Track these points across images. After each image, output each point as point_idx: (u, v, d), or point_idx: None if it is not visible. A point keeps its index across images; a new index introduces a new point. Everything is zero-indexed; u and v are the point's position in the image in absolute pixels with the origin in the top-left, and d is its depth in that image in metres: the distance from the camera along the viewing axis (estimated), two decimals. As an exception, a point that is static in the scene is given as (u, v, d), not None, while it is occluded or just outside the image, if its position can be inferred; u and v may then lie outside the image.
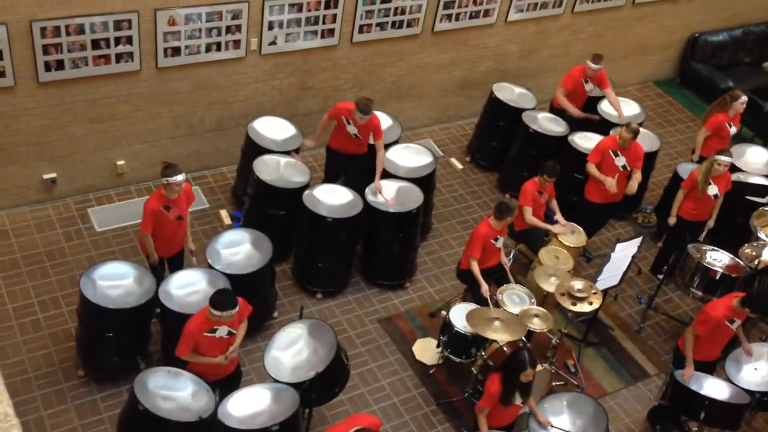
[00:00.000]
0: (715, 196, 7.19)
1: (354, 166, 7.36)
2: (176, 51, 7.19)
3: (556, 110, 8.59)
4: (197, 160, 8.03)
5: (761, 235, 7.29)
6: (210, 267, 6.21)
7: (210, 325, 5.25)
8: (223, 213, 7.76)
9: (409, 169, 7.52)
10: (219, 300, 5.15)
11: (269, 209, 7.03)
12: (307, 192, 6.96)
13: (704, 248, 7.01)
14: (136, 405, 5.08)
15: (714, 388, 5.92)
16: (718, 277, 6.76)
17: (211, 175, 8.15)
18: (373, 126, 7.12)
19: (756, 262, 6.94)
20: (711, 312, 5.90)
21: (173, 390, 5.30)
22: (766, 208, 7.54)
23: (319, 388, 5.53)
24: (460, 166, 8.94)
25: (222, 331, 5.27)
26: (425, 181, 7.46)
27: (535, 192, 7.08)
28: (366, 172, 7.27)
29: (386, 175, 7.34)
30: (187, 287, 6.02)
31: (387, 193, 7.12)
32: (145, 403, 5.07)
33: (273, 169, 7.11)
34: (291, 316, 6.68)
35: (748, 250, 7.09)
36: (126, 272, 6.02)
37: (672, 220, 7.24)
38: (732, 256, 6.98)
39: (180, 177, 5.79)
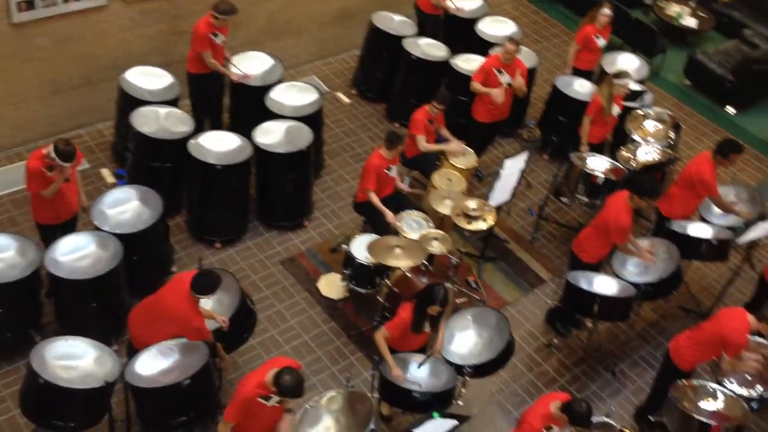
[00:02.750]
0: (618, 113, 7.46)
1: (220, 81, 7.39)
2: (30, 4, 6.70)
3: (423, 14, 8.61)
4: (69, 119, 7.60)
5: (635, 137, 7.67)
6: (98, 229, 5.96)
7: (201, 313, 5.27)
8: (105, 172, 7.43)
9: (295, 108, 7.40)
10: (207, 282, 5.12)
11: (154, 163, 6.78)
12: (192, 141, 6.75)
13: (585, 155, 7.31)
14: (35, 379, 4.89)
15: (603, 284, 6.28)
16: (600, 182, 7.08)
17: (87, 133, 7.75)
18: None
19: (633, 164, 7.31)
20: (618, 219, 6.12)
21: (74, 359, 5.12)
22: (638, 112, 7.92)
23: (228, 337, 5.50)
24: (346, 100, 8.88)
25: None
26: (313, 119, 7.37)
27: (426, 120, 7.13)
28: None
29: (272, 115, 7.21)
30: (76, 252, 5.79)
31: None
32: (45, 376, 4.88)
33: (153, 121, 6.83)
34: (191, 269, 6.53)
35: (625, 153, 7.46)
36: (6, 244, 5.71)
37: (585, 148, 7.37)
38: (611, 160, 7.32)
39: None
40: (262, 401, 4.61)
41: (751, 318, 5.51)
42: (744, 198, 7.20)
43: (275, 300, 6.70)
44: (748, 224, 6.87)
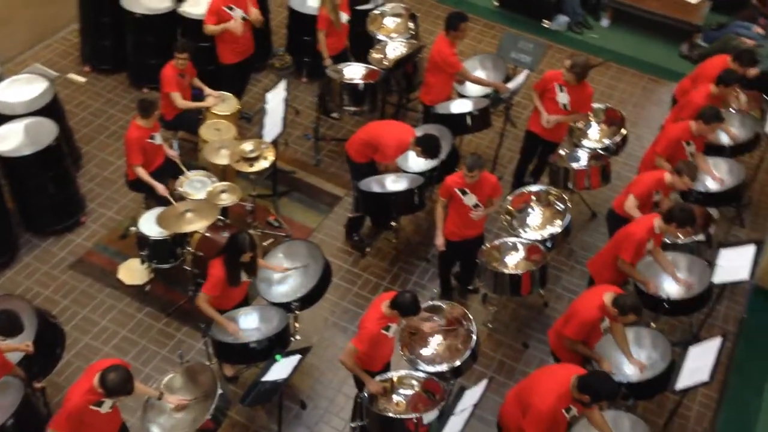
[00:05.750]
0: (348, 20, 7.51)
1: None
2: None
3: None
4: None
5: (380, 37, 7.90)
6: None
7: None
8: None
9: (27, 103, 6.74)
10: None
11: None
12: None
13: (340, 67, 7.42)
14: None
15: (392, 183, 6.52)
16: (361, 89, 7.24)
17: None
18: None
19: (386, 63, 7.54)
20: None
21: None
22: (375, 12, 8.11)
23: (37, 361, 5.09)
24: (82, 79, 8.23)
25: None
26: (51, 109, 6.78)
27: (177, 76, 6.81)
28: None
29: (3, 118, 6.51)
30: None
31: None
32: None
33: None
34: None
35: (375, 55, 7.65)
36: None
37: (328, 62, 7.37)
38: (364, 65, 7.49)
39: None
40: (96, 408, 4.40)
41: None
42: (489, 66, 7.74)
43: (77, 307, 6.25)
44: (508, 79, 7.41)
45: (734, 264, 5.86)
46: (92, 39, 8.17)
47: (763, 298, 6.96)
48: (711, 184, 6.79)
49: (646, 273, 5.91)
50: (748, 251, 5.91)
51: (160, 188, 6.22)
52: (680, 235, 6.18)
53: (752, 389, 6.30)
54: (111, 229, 6.85)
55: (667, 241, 6.20)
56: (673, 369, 5.25)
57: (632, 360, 5.37)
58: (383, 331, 5.02)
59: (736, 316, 6.80)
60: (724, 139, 7.10)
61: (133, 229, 6.23)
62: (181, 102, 6.85)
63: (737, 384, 6.30)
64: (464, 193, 5.86)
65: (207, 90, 7.14)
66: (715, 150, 7.05)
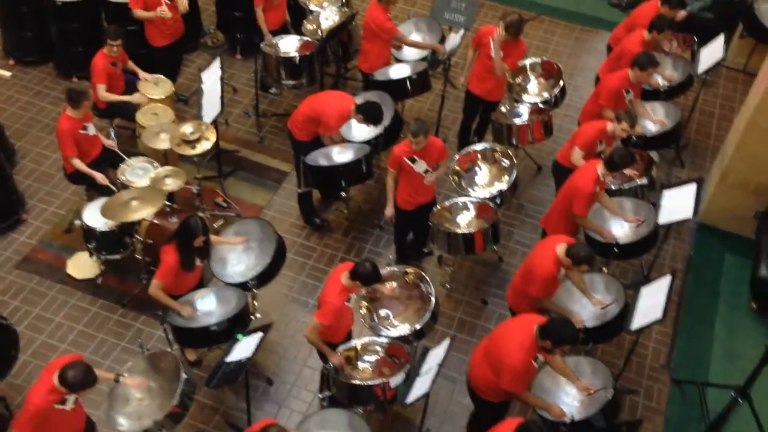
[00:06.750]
0: None
1: None
2: None
3: None
4: None
5: (312, 7, 7.79)
6: None
7: None
8: None
9: (-50, 102, 6.47)
10: None
11: None
12: None
13: (275, 41, 7.30)
14: None
15: (338, 155, 6.48)
16: (298, 62, 7.14)
17: None
18: None
19: (319, 33, 7.45)
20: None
21: None
22: (304, -17, 8.00)
23: (-7, 366, 4.96)
24: (7, 73, 7.94)
25: None
26: (-22, 106, 6.53)
27: (107, 65, 6.61)
28: None
29: (-73, 119, 6.24)
30: None
31: None
32: None
33: None
34: None
35: (309, 26, 7.56)
36: None
37: (269, 38, 7.25)
38: (299, 37, 7.39)
39: None
40: (60, 407, 4.32)
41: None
42: (423, 28, 7.72)
43: (29, 306, 6.09)
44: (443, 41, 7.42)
45: (678, 204, 6.04)
46: (14, 31, 7.86)
47: (708, 235, 7.21)
48: (650, 127, 6.94)
49: (595, 220, 6.05)
50: (690, 190, 6.09)
51: (99, 177, 6.07)
52: (625, 178, 6.34)
53: (703, 323, 6.55)
54: (54, 224, 6.66)
55: (613, 188, 6.34)
56: (627, 310, 5.41)
57: (593, 300, 5.52)
58: (346, 303, 5.04)
59: (683, 254, 7.02)
60: (660, 82, 7.26)
61: (77, 222, 6.07)
62: (104, 94, 6.62)
63: (689, 319, 6.54)
64: (414, 161, 5.86)
65: (141, 73, 6.95)
66: (651, 94, 7.23)
